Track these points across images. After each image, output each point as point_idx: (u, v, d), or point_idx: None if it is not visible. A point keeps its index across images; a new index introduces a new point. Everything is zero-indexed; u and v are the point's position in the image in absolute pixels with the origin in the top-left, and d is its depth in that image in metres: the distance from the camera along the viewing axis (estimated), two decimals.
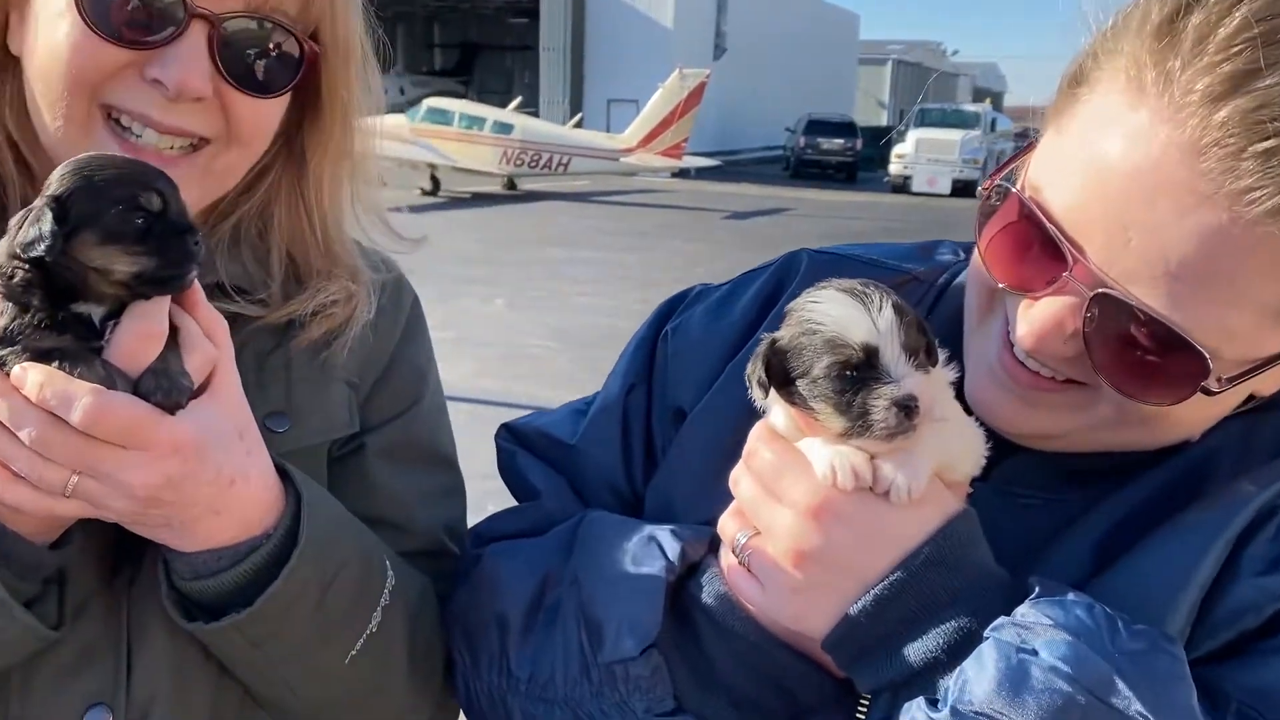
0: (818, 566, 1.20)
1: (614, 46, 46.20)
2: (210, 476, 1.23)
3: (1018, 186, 1.26)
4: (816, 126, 46.24)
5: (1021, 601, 1.12)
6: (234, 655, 1.38)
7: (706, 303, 1.64)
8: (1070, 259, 1.16)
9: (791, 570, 1.22)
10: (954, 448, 1.26)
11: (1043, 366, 1.24)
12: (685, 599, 1.34)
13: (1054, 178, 1.20)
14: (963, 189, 36.04)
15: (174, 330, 1.23)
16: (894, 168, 39.63)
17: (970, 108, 46.04)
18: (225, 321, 1.31)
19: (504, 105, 35.18)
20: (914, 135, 38.06)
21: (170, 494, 1.21)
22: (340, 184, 1.63)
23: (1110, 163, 1.12)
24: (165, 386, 1.19)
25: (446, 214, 26.24)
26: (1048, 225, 1.18)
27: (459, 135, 31.20)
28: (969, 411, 1.31)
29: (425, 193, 29.71)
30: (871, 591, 1.17)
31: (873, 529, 1.19)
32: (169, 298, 1.22)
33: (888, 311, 1.19)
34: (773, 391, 1.26)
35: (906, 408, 1.16)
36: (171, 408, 1.19)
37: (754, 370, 1.26)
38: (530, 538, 1.55)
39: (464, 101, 35.67)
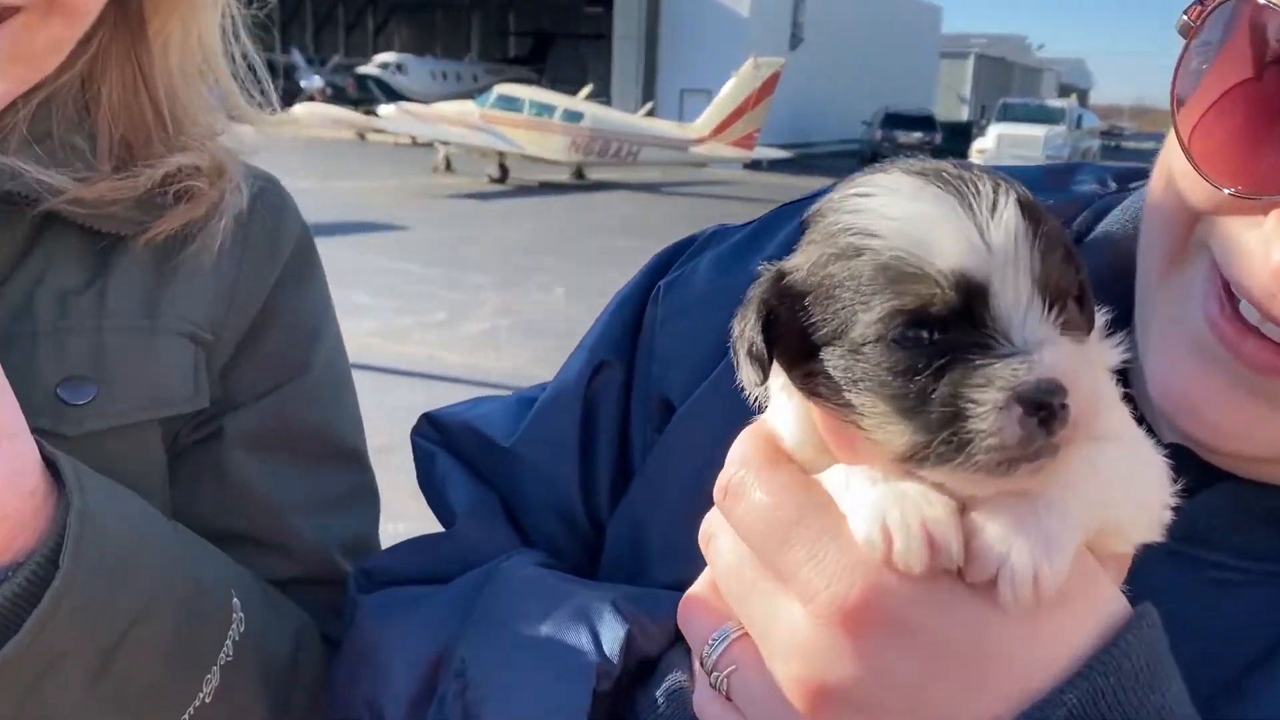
0: (854, 715, 0.71)
1: (689, 35, 45.92)
2: None
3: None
4: (894, 120, 45.34)
5: None
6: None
7: (719, 248, 1.16)
8: None
9: (803, 713, 0.73)
10: (1123, 495, 0.73)
11: None
12: (634, 715, 0.90)
13: None
14: None
15: None
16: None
17: (1055, 103, 45.03)
18: None
19: (576, 94, 34.84)
20: (995, 130, 37.45)
21: None
22: (192, 53, 1.22)
23: None
24: None
25: (512, 201, 26.09)
26: None
27: (528, 123, 30.96)
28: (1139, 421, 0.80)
29: (493, 180, 29.61)
30: None
31: (960, 652, 0.69)
32: None
33: (1009, 214, 0.67)
34: (776, 372, 0.75)
35: (1044, 407, 0.65)
36: None
37: (743, 331, 0.74)
38: (435, 585, 1.13)
39: (534, 89, 35.45)
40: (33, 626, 0.93)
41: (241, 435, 1.24)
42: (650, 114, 37.42)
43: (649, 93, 45.28)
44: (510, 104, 31.55)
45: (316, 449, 1.31)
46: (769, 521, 0.75)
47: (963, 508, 0.70)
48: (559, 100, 32.75)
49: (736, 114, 32.33)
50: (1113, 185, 1.09)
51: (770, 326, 0.73)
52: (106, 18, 1.18)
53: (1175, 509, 0.78)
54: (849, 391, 0.70)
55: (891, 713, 0.70)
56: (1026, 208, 0.68)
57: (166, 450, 1.22)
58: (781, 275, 0.74)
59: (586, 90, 35.87)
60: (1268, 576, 0.84)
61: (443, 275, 15.28)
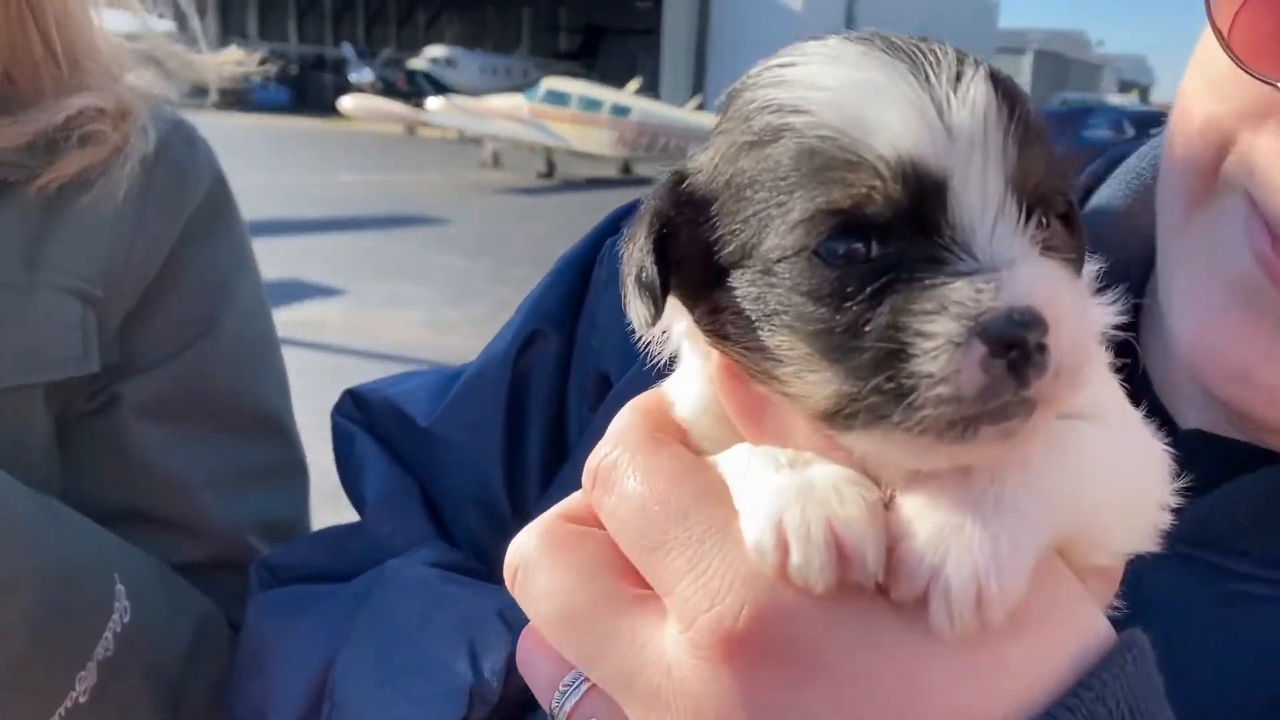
0: None
1: (740, 29, 45.78)
2: None
3: None
4: None
5: None
6: None
7: None
8: None
9: None
10: (1104, 490, 0.56)
11: None
12: None
13: None
14: None
15: None
16: None
17: (1114, 99, 44.08)
18: None
19: (624, 88, 34.76)
20: None
21: None
22: None
23: None
24: None
25: (559, 196, 26.01)
26: None
27: (575, 117, 30.93)
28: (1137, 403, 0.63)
29: (540, 175, 29.63)
30: None
31: (883, 693, 0.52)
32: None
33: (977, 88, 0.51)
34: (678, 310, 0.59)
35: (1017, 345, 0.48)
36: None
37: (631, 252, 0.57)
38: (334, 584, 1.03)
39: (582, 83, 35.44)
40: None
41: (141, 403, 1.12)
42: (699, 108, 37.25)
43: (698, 86, 45.23)
44: (558, 98, 31.51)
45: (228, 418, 1.19)
46: (643, 518, 0.58)
47: (888, 499, 0.53)
48: (606, 94, 32.71)
49: None
50: (1130, 131, 0.96)
51: (666, 246, 0.56)
52: None
53: (1186, 508, 0.61)
54: (761, 329, 0.53)
55: None
56: (1000, 83, 0.53)
57: (57, 418, 1.09)
58: (681, 178, 0.57)
59: (635, 84, 35.72)
60: None
61: (489, 269, 15.18)
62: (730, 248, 0.54)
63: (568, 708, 0.62)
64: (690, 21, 47.08)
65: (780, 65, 0.56)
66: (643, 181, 31.63)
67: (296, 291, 12.76)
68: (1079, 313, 0.52)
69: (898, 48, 0.53)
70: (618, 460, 0.61)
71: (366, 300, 12.43)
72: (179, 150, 1.21)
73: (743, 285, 0.54)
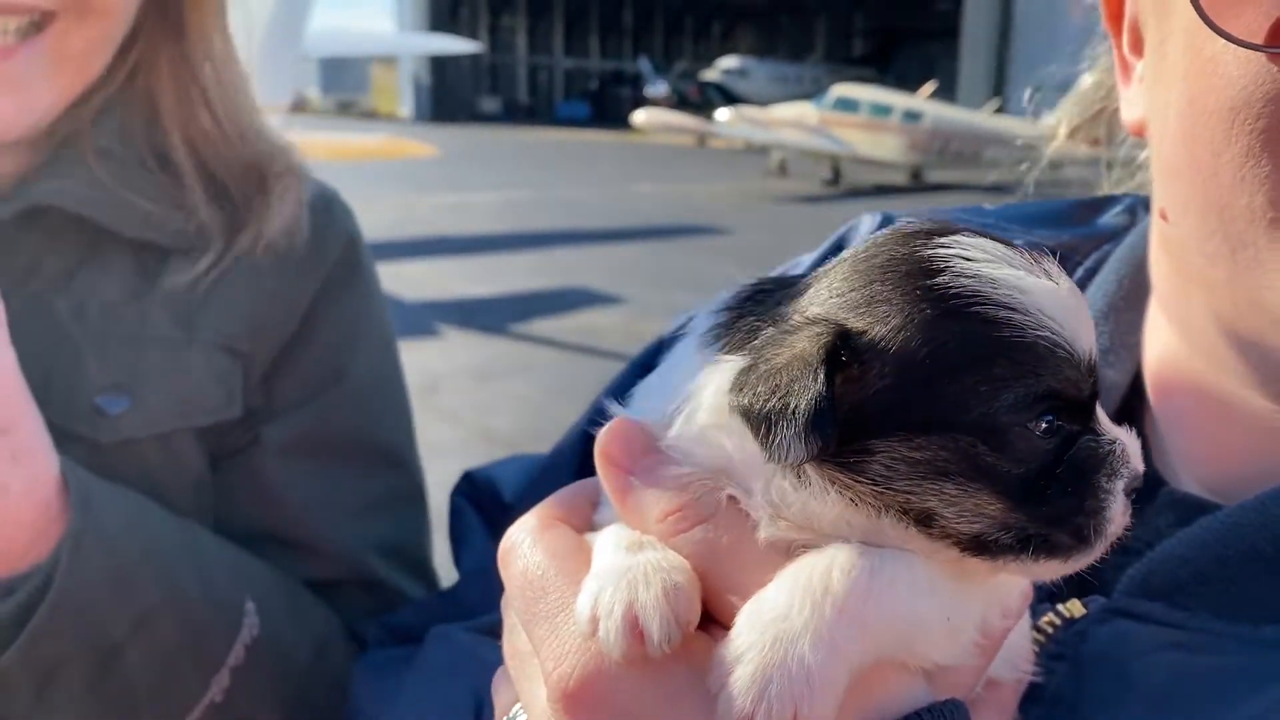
0: None
1: (1046, 28, 43.19)
2: None
3: None
4: None
5: None
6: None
7: None
8: None
9: None
10: (922, 614, 0.64)
11: None
12: None
13: None
14: None
15: None
16: None
17: None
18: None
19: (917, 93, 33.83)
20: None
21: None
22: (232, 46, 1.26)
23: None
24: None
25: (842, 205, 25.64)
26: None
27: (863, 123, 30.45)
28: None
29: (826, 183, 29.45)
30: None
31: None
32: None
33: (1075, 290, 0.68)
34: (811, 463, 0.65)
35: (1137, 494, 0.68)
36: None
37: (799, 391, 0.61)
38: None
39: (873, 89, 34.76)
40: (29, 636, 1.00)
41: (277, 443, 1.26)
42: (998, 111, 35.61)
43: (997, 89, 43.30)
44: (847, 105, 31.16)
45: (353, 454, 1.31)
46: (527, 590, 0.70)
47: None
48: (897, 100, 31.97)
49: (1098, 113, 30.07)
50: (1144, 216, 1.01)
51: (843, 401, 0.62)
52: (145, 22, 1.21)
53: (1136, 563, 0.77)
54: (930, 480, 0.62)
55: None
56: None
57: (211, 456, 1.24)
58: (846, 334, 0.62)
59: (930, 88, 34.64)
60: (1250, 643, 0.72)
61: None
62: (909, 410, 0.62)
63: None
64: (992, 21, 45.16)
65: (957, 256, 0.64)
66: (935, 188, 30.75)
67: (579, 299, 13.38)
68: None
69: (1025, 254, 0.66)
70: (518, 540, 0.73)
71: (644, 308, 12.80)
72: (318, 213, 1.32)
73: (913, 442, 0.62)
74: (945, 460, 0.62)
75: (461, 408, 8.73)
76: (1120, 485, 0.65)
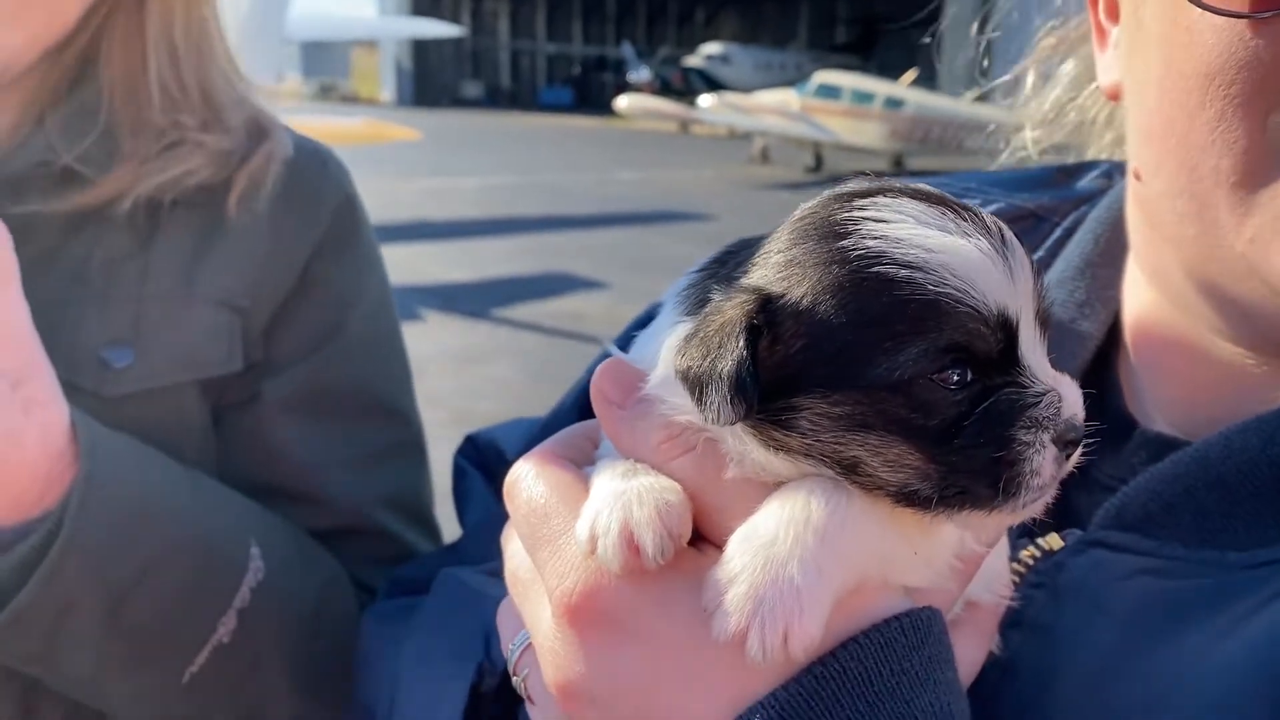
0: (591, 710, 0.71)
1: (1028, 14, 43.32)
2: None
3: None
4: None
5: None
6: (19, 664, 1.11)
7: None
8: None
9: (564, 713, 0.75)
10: (891, 541, 0.70)
11: None
12: None
13: None
14: None
15: None
16: None
17: None
18: (3, 230, 1.00)
19: (899, 81, 33.85)
20: None
21: None
22: (198, 22, 1.28)
23: None
24: None
25: (823, 191, 25.64)
26: None
27: (845, 110, 30.45)
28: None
29: (808, 170, 29.50)
30: None
31: (680, 653, 0.68)
32: None
33: (1019, 249, 0.70)
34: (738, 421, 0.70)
35: (1072, 444, 0.69)
36: None
37: (720, 356, 0.66)
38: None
39: (855, 76, 34.75)
40: (42, 577, 1.03)
41: (278, 398, 1.30)
42: (981, 99, 35.68)
43: (983, 76, 43.39)
44: (829, 92, 31.13)
45: (352, 408, 1.35)
46: (531, 518, 0.76)
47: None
48: (880, 87, 31.96)
49: (1071, 98, 30.17)
50: (1120, 180, 1.03)
51: (759, 355, 0.66)
52: None
53: (1111, 498, 0.81)
54: (851, 433, 0.66)
55: (625, 712, 0.69)
56: (1019, 237, 0.70)
57: (212, 409, 1.28)
58: (767, 299, 0.67)
59: (911, 75, 34.66)
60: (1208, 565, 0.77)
61: None
62: (825, 368, 0.66)
63: (515, 660, 0.82)
64: (976, 9, 45.24)
65: (870, 218, 0.68)
66: (916, 174, 30.48)
67: (562, 284, 13.40)
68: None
69: (956, 211, 0.68)
70: (520, 474, 0.79)
71: (627, 293, 12.84)
72: (312, 172, 1.35)
73: (839, 398, 0.66)
74: (863, 414, 0.66)
75: (444, 392, 8.76)
76: (1045, 436, 0.66)
